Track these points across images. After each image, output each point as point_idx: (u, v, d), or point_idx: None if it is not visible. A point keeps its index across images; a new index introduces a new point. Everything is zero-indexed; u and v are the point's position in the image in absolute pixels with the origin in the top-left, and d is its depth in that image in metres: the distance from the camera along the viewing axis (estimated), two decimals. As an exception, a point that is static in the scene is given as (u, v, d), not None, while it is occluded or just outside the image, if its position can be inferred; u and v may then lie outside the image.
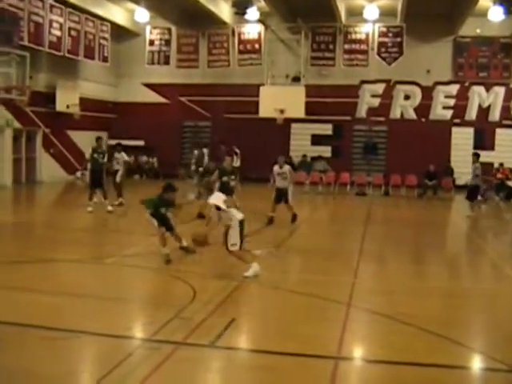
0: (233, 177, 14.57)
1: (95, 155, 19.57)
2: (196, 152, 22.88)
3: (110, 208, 19.20)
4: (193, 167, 22.11)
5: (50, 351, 7.40)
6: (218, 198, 11.32)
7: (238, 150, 28.23)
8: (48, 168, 29.57)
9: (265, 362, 7.32)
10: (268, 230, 17.11)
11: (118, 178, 20.82)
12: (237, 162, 30.46)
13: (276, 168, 17.93)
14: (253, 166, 28.80)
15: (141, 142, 32.84)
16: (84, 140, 30.34)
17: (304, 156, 31.70)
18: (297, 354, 7.41)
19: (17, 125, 27.47)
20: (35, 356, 7.19)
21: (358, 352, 7.98)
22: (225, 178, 14.52)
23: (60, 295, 9.76)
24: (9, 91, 23.30)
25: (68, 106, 29.76)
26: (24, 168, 28.38)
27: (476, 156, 21.51)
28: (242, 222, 11.10)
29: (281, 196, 17.77)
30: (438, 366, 7.19)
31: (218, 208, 11.05)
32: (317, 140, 32.16)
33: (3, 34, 21.82)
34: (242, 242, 11.05)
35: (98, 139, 20.26)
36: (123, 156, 21.38)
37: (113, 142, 32.62)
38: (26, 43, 24.03)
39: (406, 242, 16.55)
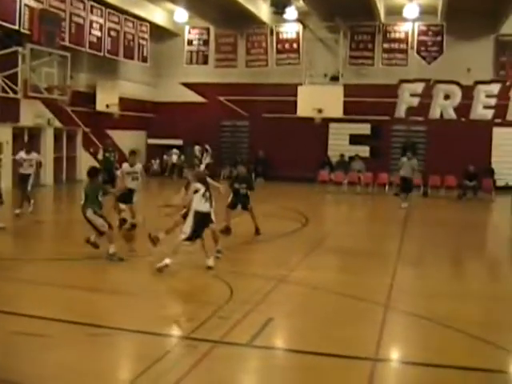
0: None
1: (107, 154, 20.10)
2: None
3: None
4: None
5: (92, 348, 7.54)
6: None
7: (208, 147, 28.16)
8: (88, 167, 29.82)
9: (302, 362, 7.33)
10: (305, 231, 17.08)
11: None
12: (206, 159, 30.46)
13: None
14: (291, 166, 28.84)
15: (179, 142, 33.00)
16: (124, 139, 30.62)
17: (342, 156, 31.57)
18: (334, 355, 7.39)
19: (58, 124, 27.81)
20: (79, 352, 7.33)
21: (396, 354, 7.93)
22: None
23: (99, 292, 9.91)
24: (50, 91, 23.63)
25: (108, 106, 30.05)
26: (65, 167, 28.72)
27: None
28: None
29: None
30: (477, 369, 7.11)
31: None
32: (355, 140, 31.94)
33: (46, 34, 22.17)
34: None
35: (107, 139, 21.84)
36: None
37: (152, 141, 33.09)
38: (67, 44, 24.36)
39: (446, 243, 16.26)
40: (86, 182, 13.04)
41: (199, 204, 11.56)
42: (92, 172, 12.81)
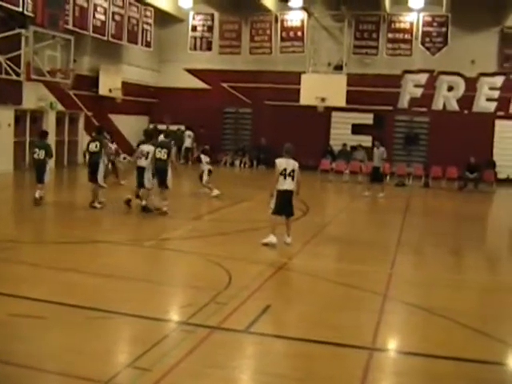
0: None
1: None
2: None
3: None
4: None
5: (90, 330, 7.54)
6: None
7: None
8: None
9: (298, 349, 7.35)
10: (305, 219, 17.07)
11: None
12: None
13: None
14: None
15: (181, 128, 32.95)
16: (126, 124, 30.61)
17: (344, 145, 31.54)
18: (331, 343, 7.41)
19: (60, 107, 27.74)
20: (78, 334, 7.35)
21: (392, 343, 7.94)
22: None
23: (101, 276, 9.94)
24: (53, 74, 23.56)
25: (110, 90, 30.00)
26: (66, 150, 28.66)
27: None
28: None
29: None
30: (474, 361, 7.11)
31: None
32: (357, 129, 31.89)
33: (49, 17, 22.08)
34: None
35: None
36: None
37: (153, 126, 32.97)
38: (70, 27, 24.28)
39: (445, 234, 16.30)
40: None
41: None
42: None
